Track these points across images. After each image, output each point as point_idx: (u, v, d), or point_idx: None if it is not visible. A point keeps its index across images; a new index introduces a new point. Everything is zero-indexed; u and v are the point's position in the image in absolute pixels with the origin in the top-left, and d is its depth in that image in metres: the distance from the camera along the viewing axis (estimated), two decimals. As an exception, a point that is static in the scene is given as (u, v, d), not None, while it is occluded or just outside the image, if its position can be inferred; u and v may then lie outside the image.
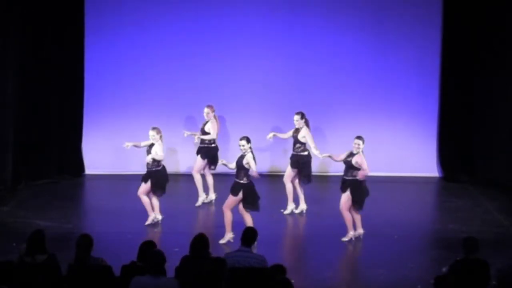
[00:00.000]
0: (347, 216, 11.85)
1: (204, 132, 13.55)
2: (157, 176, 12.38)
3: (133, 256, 8.21)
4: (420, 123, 15.71)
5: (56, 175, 15.26)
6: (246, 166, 11.46)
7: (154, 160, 12.32)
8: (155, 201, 12.56)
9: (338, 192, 12.05)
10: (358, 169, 11.70)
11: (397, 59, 15.55)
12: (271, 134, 13.46)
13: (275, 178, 15.06)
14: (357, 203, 11.84)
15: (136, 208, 13.15)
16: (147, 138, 12.54)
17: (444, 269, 8.53)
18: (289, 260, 11.11)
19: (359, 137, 11.82)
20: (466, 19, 15.13)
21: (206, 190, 13.72)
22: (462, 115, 15.50)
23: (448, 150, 15.68)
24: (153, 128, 12.41)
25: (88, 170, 15.69)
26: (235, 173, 11.69)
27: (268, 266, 8.31)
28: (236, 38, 15.46)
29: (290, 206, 13.08)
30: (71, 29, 15.18)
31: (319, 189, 14.20)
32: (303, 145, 12.92)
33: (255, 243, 8.81)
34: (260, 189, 11.91)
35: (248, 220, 11.55)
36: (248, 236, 8.65)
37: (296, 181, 13.16)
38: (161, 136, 12.38)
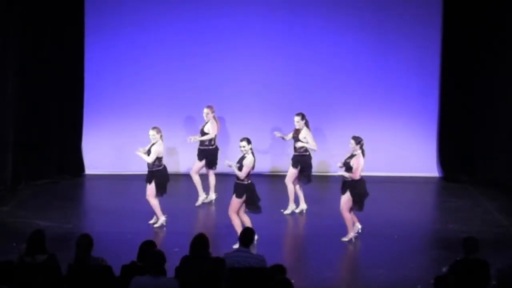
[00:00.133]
0: (348, 216, 11.85)
1: (203, 133, 13.54)
2: (159, 176, 12.38)
3: (133, 256, 8.21)
4: (420, 123, 15.71)
5: (56, 175, 15.26)
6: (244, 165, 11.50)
7: (155, 159, 12.32)
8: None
9: (338, 192, 12.05)
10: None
11: (397, 59, 15.54)
12: (278, 134, 13.42)
13: (275, 178, 15.08)
14: (357, 204, 11.84)
15: (136, 208, 13.16)
16: (148, 138, 12.54)
17: (444, 269, 8.53)
18: (289, 260, 11.11)
19: (352, 137, 11.84)
20: (466, 19, 15.12)
21: (206, 189, 13.72)
22: (462, 115, 15.50)
23: (448, 150, 15.68)
24: (153, 128, 12.41)
25: (88, 170, 15.68)
26: (235, 174, 11.70)
27: (268, 266, 8.32)
28: (236, 38, 15.46)
29: (291, 207, 13.07)
30: (71, 29, 15.18)
31: (319, 189, 14.20)
32: (303, 146, 12.90)
33: (254, 243, 8.80)
34: (260, 189, 11.90)
35: (247, 221, 11.57)
36: (246, 236, 8.66)
37: (296, 181, 13.15)
38: (161, 136, 12.38)
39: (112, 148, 15.44)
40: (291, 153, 13.25)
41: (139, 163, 13.34)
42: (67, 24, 15.11)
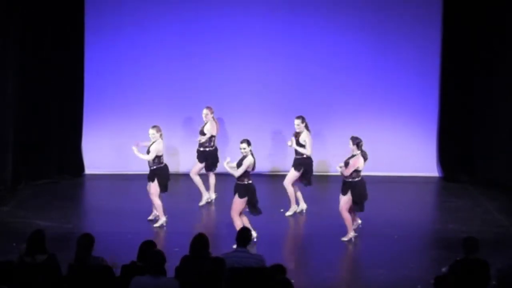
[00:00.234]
0: (347, 216, 11.86)
1: (203, 134, 13.52)
2: (161, 174, 12.39)
3: (133, 256, 8.21)
4: (420, 123, 15.71)
5: (56, 175, 15.26)
6: (248, 168, 11.52)
7: (155, 157, 12.33)
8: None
9: (338, 192, 12.07)
10: (356, 170, 11.72)
11: (397, 59, 15.54)
12: (290, 143, 13.03)
13: (275, 178, 15.07)
14: (357, 205, 11.86)
15: (136, 208, 13.17)
16: (148, 138, 12.56)
17: (444, 269, 8.53)
18: (289, 260, 11.12)
19: (350, 138, 11.86)
20: (466, 19, 15.12)
21: (207, 189, 13.70)
22: (462, 115, 15.50)
23: (448, 150, 15.68)
24: (153, 127, 12.44)
25: (88, 170, 15.69)
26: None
27: (266, 265, 8.32)
28: (236, 38, 15.45)
29: (293, 208, 13.00)
30: (71, 29, 15.17)
31: (319, 189, 14.19)
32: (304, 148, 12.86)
33: (254, 240, 8.80)
34: (260, 189, 11.92)
35: (245, 221, 11.60)
36: (243, 236, 8.65)
37: (295, 182, 13.11)
38: (161, 135, 12.40)
39: (112, 148, 15.44)
40: (291, 153, 13.21)
41: (139, 163, 13.35)
42: (67, 24, 15.11)
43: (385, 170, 15.43)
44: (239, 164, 11.54)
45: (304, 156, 12.83)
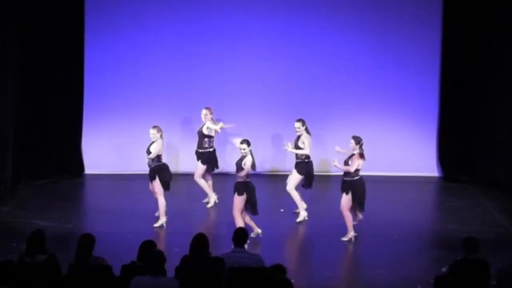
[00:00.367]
0: (348, 216, 11.88)
1: (202, 135, 13.48)
2: (161, 172, 12.41)
3: (133, 256, 8.21)
4: (420, 123, 15.71)
5: (56, 175, 15.26)
6: (244, 167, 11.53)
7: (154, 156, 12.36)
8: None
9: (338, 192, 12.08)
10: (356, 169, 11.76)
11: (397, 59, 15.54)
12: (287, 147, 12.89)
13: (275, 178, 15.08)
14: (358, 205, 11.89)
15: (136, 208, 13.17)
16: (148, 138, 12.58)
17: (444, 269, 8.53)
18: (289, 260, 11.12)
19: (352, 137, 11.88)
20: (466, 19, 15.12)
21: (202, 194, 13.64)
22: (462, 115, 15.51)
23: (448, 150, 15.68)
24: (154, 127, 12.45)
25: (88, 170, 15.69)
26: (235, 174, 11.73)
27: (265, 265, 8.32)
28: (236, 38, 15.46)
29: (303, 214, 12.76)
30: (71, 29, 15.18)
31: (319, 189, 14.18)
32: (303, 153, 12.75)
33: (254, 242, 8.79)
34: (260, 189, 11.93)
35: (247, 219, 11.64)
36: (240, 236, 8.64)
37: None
38: (161, 135, 12.41)
39: (112, 148, 15.44)
40: (291, 154, 13.18)
41: (139, 163, 13.36)
42: (67, 24, 15.11)
43: (385, 170, 15.43)
44: (238, 164, 11.56)
45: (305, 160, 12.73)
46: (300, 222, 12.67)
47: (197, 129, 13.67)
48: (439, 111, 15.65)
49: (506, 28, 14.67)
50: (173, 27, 15.46)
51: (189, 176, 13.88)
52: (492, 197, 14.23)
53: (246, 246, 8.88)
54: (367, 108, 15.55)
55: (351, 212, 12.02)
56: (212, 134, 13.44)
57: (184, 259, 8.22)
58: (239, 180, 11.57)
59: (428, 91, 15.64)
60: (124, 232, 11.91)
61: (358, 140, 11.74)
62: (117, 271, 8.16)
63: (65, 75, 15.23)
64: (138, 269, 7.93)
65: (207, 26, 15.41)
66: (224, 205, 12.81)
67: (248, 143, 11.59)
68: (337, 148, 12.37)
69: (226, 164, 14.60)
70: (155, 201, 12.52)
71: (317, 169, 13.67)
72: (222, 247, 9.44)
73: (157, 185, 12.39)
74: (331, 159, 12.53)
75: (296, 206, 13.06)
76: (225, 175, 14.10)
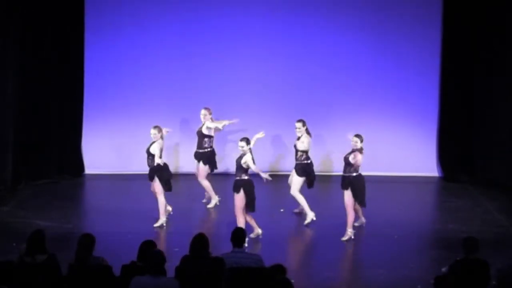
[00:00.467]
0: (351, 214, 11.94)
1: (201, 135, 13.45)
2: (161, 171, 12.42)
3: (133, 256, 8.21)
4: (420, 123, 15.71)
5: (56, 175, 15.26)
6: (244, 165, 11.55)
7: (153, 156, 12.36)
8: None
9: (338, 192, 12.11)
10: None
11: (397, 59, 15.54)
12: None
13: (275, 178, 15.03)
14: (358, 199, 11.97)
15: (136, 208, 13.17)
16: (148, 138, 12.59)
17: (444, 269, 8.53)
18: (289, 260, 11.12)
19: (357, 135, 11.95)
20: (466, 19, 15.13)
21: (203, 195, 13.62)
22: (462, 115, 15.51)
23: (448, 150, 15.68)
24: (154, 127, 12.47)
25: (88, 170, 15.69)
26: (235, 173, 11.78)
27: (264, 265, 8.32)
28: (236, 38, 15.46)
29: (310, 216, 12.64)
30: (71, 29, 15.18)
31: (320, 189, 14.16)
32: (304, 153, 12.66)
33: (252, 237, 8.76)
34: (260, 189, 11.93)
35: (249, 219, 11.68)
36: (238, 236, 8.64)
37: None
38: (162, 135, 12.42)
39: (112, 148, 15.44)
40: (291, 154, 13.17)
41: (139, 163, 13.35)
42: (67, 24, 15.11)
43: (385, 170, 15.43)
44: (238, 163, 11.61)
45: (304, 161, 12.66)
46: (307, 224, 12.58)
47: (197, 129, 13.64)
48: (439, 111, 15.65)
49: (506, 28, 14.67)
50: (173, 27, 15.46)
51: (189, 176, 13.89)
52: (492, 197, 14.24)
53: (246, 244, 8.87)
54: (367, 108, 15.55)
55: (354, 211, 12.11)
56: (212, 134, 13.42)
57: (184, 259, 8.22)
58: (237, 178, 11.63)
59: (428, 91, 15.64)
60: (124, 232, 11.91)
61: (362, 138, 11.87)
62: (117, 271, 8.16)
63: (65, 75, 15.23)
64: (138, 269, 7.93)
65: (207, 26, 15.41)
66: (224, 205, 12.81)
67: (248, 141, 11.63)
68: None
69: (226, 164, 14.60)
70: (155, 201, 12.52)
71: (317, 169, 13.67)
72: (222, 247, 9.44)
73: (157, 185, 12.40)
74: (331, 159, 12.60)
75: (296, 206, 13.05)
76: (225, 175, 14.09)
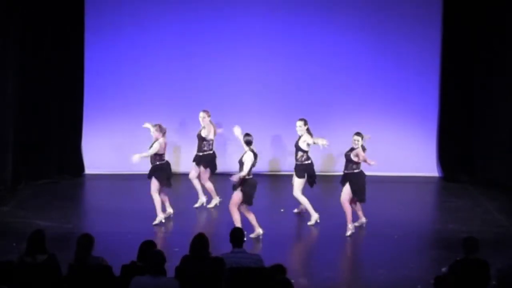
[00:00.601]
0: (348, 208, 12.03)
1: (201, 138, 13.42)
2: (161, 169, 12.49)
3: (133, 256, 8.21)
4: (420, 123, 15.72)
5: (56, 175, 15.26)
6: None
7: (155, 155, 12.43)
8: (165, 196, 12.71)
9: (339, 192, 12.13)
10: (357, 163, 11.96)
11: (397, 59, 15.55)
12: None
13: (275, 178, 15.08)
14: (357, 195, 12.05)
15: (136, 208, 13.17)
16: (148, 138, 12.63)
17: (444, 269, 8.53)
18: (289, 260, 11.12)
19: (357, 134, 12.10)
20: (466, 19, 15.13)
21: (204, 193, 13.57)
22: (462, 115, 15.51)
23: (448, 150, 15.69)
24: (154, 125, 12.57)
25: (88, 170, 15.69)
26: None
27: (264, 265, 8.32)
28: (236, 38, 15.46)
29: (314, 217, 12.61)
30: (71, 29, 15.18)
31: (320, 189, 14.16)
32: (305, 153, 12.60)
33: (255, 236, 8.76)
34: (260, 189, 11.93)
35: (251, 218, 11.74)
36: (236, 236, 8.63)
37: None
38: (164, 133, 12.46)
39: (112, 147, 15.43)
40: (291, 154, 13.15)
41: (139, 163, 13.32)
42: (67, 24, 15.12)
43: (385, 170, 15.40)
44: (239, 160, 11.64)
45: (305, 162, 12.58)
46: (311, 226, 12.56)
47: (197, 132, 13.56)
48: (439, 111, 15.65)
49: (506, 28, 14.67)
50: (173, 27, 15.46)
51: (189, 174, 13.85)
52: (492, 197, 14.24)
53: (245, 238, 8.86)
54: (367, 108, 15.55)
55: (354, 211, 12.15)
56: (212, 137, 13.35)
57: (184, 259, 8.22)
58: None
59: (428, 91, 15.64)
60: (124, 232, 11.91)
61: (362, 136, 12.03)
62: (117, 271, 8.16)
63: (65, 75, 15.23)
64: (138, 269, 7.93)
65: (207, 26, 15.41)
66: (225, 205, 12.80)
67: (247, 141, 11.72)
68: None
69: (227, 164, 14.60)
70: (163, 197, 12.63)
71: (318, 169, 13.67)
72: (222, 247, 9.43)
73: (152, 183, 12.45)
74: (331, 159, 12.60)
75: (296, 206, 13.05)
76: (226, 175, 14.07)
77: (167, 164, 12.62)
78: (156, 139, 12.46)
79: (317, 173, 13.04)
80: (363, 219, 12.34)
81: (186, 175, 14.24)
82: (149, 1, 15.36)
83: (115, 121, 15.52)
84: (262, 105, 15.50)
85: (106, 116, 15.56)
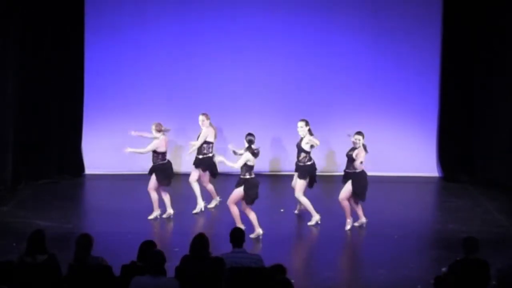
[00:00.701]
0: (346, 205, 12.15)
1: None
2: (162, 169, 12.56)
3: (133, 256, 8.21)
4: (420, 123, 15.72)
5: (56, 175, 15.26)
6: (249, 163, 11.64)
7: (158, 154, 12.50)
8: (166, 196, 12.75)
9: (339, 192, 12.13)
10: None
11: (397, 59, 15.55)
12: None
13: (275, 178, 15.08)
14: (358, 195, 12.11)
15: (136, 208, 13.17)
16: (148, 138, 12.68)
17: (444, 269, 8.53)
18: (289, 260, 11.12)
19: (359, 133, 12.14)
20: (466, 19, 15.13)
21: (208, 198, 13.58)
22: (462, 115, 15.51)
23: (448, 150, 15.69)
24: (153, 123, 12.64)
25: (88, 170, 15.70)
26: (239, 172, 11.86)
27: (264, 265, 8.32)
28: (236, 38, 15.46)
29: (315, 218, 12.55)
30: (71, 29, 15.18)
31: (320, 189, 14.18)
32: (307, 154, 12.55)
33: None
34: (260, 189, 11.92)
35: (252, 217, 11.75)
36: (236, 236, 8.63)
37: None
38: (163, 133, 12.49)
39: (112, 148, 15.39)
40: (292, 154, 13.14)
41: (139, 163, 13.37)
42: (67, 24, 15.12)
43: (385, 170, 15.43)
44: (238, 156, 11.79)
45: (307, 163, 12.53)
46: (311, 226, 12.52)
47: (197, 135, 13.50)
48: (439, 111, 15.65)
49: (506, 28, 14.67)
50: (173, 27, 15.46)
51: (189, 176, 13.84)
52: (492, 197, 14.24)
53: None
54: (367, 108, 15.55)
55: (354, 211, 12.24)
56: (211, 140, 13.25)
57: (184, 259, 8.22)
58: (241, 176, 11.76)
59: (428, 91, 15.64)
60: (124, 232, 11.91)
61: (363, 135, 12.08)
62: (117, 271, 8.16)
63: (65, 75, 15.23)
64: (138, 269, 7.93)
65: (207, 26, 15.42)
66: (225, 206, 12.79)
67: (249, 141, 11.76)
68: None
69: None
70: (165, 197, 12.68)
71: (318, 169, 13.67)
72: (222, 247, 9.43)
73: (151, 181, 12.59)
74: (331, 159, 12.60)
75: (296, 207, 13.05)
76: (226, 175, 14.08)
77: (169, 164, 12.66)
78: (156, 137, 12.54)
79: (317, 173, 13.03)
80: (363, 219, 12.36)
81: (186, 175, 14.23)
82: (149, 1, 15.36)
83: (115, 121, 15.51)
84: (262, 105, 15.50)
85: (106, 116, 15.56)
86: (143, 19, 15.38)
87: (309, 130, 12.58)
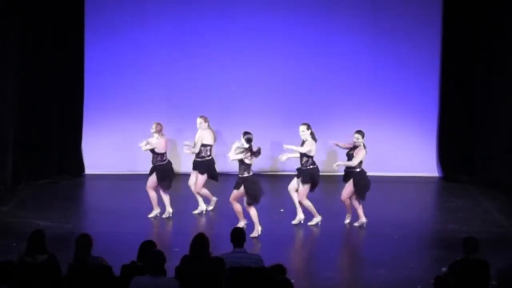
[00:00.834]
0: (346, 202, 12.32)
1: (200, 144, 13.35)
2: (162, 170, 12.57)
3: (133, 256, 8.20)
4: (420, 123, 15.72)
5: (56, 175, 15.27)
6: (246, 161, 11.63)
7: (157, 154, 12.53)
8: (166, 196, 12.75)
9: (339, 192, 12.16)
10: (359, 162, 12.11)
11: (397, 59, 15.55)
12: (284, 157, 12.59)
13: (275, 178, 15.07)
14: (359, 194, 12.17)
15: (136, 208, 13.17)
16: (147, 138, 12.68)
17: (444, 269, 8.52)
18: (289, 260, 11.12)
19: (358, 132, 12.19)
20: (466, 19, 15.13)
21: (206, 200, 13.55)
22: (462, 115, 15.51)
23: (448, 150, 15.69)
24: (153, 123, 12.68)
25: (88, 170, 15.70)
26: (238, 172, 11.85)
27: (265, 265, 8.32)
28: (236, 38, 15.47)
29: (317, 218, 12.48)
30: (71, 29, 15.19)
31: (320, 189, 14.17)
32: (310, 159, 12.35)
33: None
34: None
35: (253, 214, 11.76)
36: (237, 236, 8.62)
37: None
38: (160, 131, 12.52)
39: (112, 148, 15.44)
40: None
41: (139, 163, 13.36)
42: (67, 24, 15.13)
43: (385, 170, 15.43)
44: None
45: (310, 166, 12.40)
46: (311, 226, 12.51)
47: (195, 137, 13.42)
48: (439, 111, 15.66)
49: (506, 28, 14.67)
50: (173, 27, 15.47)
51: (189, 176, 13.85)
52: (492, 197, 14.24)
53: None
54: (367, 108, 15.55)
55: (354, 209, 12.33)
56: (209, 142, 13.18)
57: (184, 259, 8.22)
58: (239, 175, 11.78)
59: (428, 91, 15.65)
60: (124, 232, 11.91)
61: (363, 134, 12.13)
62: (117, 271, 8.15)
63: (65, 75, 15.24)
64: (138, 269, 7.92)
65: (207, 26, 15.42)
66: (225, 206, 12.79)
67: (247, 139, 11.77)
68: (334, 142, 12.52)
69: (226, 164, 14.59)
70: (165, 197, 12.70)
71: (319, 169, 13.67)
72: (222, 247, 9.43)
73: (151, 180, 12.60)
74: (332, 159, 12.58)
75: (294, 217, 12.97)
76: (226, 175, 14.08)
77: (169, 164, 12.66)
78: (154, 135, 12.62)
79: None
80: (363, 219, 12.35)
81: (186, 175, 14.23)
82: (149, 1, 15.37)
83: (115, 121, 15.52)
84: (262, 105, 15.51)
85: (106, 116, 15.57)
86: (143, 19, 15.39)
87: (312, 134, 12.37)
